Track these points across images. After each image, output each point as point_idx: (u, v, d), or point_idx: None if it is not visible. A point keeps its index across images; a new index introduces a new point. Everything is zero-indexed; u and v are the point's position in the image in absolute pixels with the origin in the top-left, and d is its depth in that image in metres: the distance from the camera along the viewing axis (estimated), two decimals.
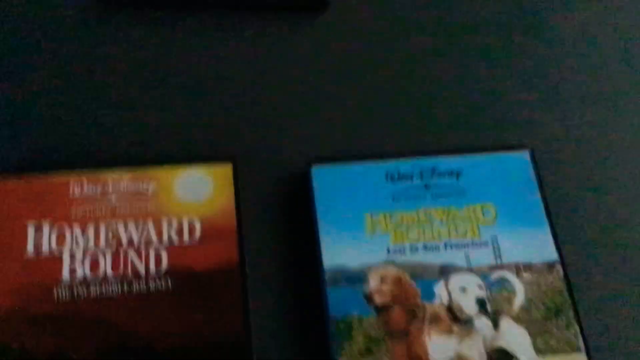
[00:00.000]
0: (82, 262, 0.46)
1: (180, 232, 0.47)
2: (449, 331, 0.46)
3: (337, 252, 0.48)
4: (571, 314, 0.47)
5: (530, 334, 0.46)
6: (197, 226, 0.48)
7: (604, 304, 0.49)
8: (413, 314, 0.46)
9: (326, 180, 0.50)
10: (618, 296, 0.49)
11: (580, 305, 0.47)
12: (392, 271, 0.47)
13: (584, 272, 0.50)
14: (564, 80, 0.57)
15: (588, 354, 0.46)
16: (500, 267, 0.48)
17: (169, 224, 0.47)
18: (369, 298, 0.46)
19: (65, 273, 0.45)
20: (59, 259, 0.45)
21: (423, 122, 0.54)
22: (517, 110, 0.55)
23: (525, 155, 0.52)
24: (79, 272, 0.45)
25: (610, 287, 0.49)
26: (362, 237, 0.48)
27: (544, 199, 0.51)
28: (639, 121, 0.56)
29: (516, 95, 0.56)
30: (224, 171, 0.49)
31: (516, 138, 0.54)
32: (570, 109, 0.55)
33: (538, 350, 0.46)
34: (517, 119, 0.55)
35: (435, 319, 0.46)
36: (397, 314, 0.46)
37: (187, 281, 0.46)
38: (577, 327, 0.46)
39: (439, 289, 0.47)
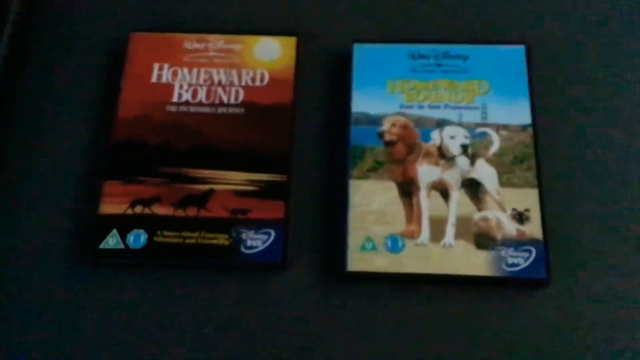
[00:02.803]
0: (187, 91, 0.67)
1: (253, 79, 0.67)
2: (436, 163, 0.63)
3: (363, 103, 0.65)
4: (533, 161, 0.62)
5: (498, 172, 0.62)
6: (266, 76, 0.67)
7: (564, 156, 0.63)
8: (411, 149, 0.63)
9: (363, 55, 0.67)
10: (577, 153, 0.64)
11: (542, 158, 0.62)
12: (401, 119, 0.64)
13: (551, 135, 0.64)
14: None
15: (540, 189, 0.61)
16: (485, 125, 0.64)
17: (247, 73, 0.67)
18: (381, 135, 0.64)
19: (175, 96, 0.66)
20: (172, 86, 0.67)
21: (444, 14, 0.70)
22: (522, 8, 0.70)
23: (521, 49, 0.67)
24: (184, 97, 0.66)
25: (570, 147, 0.64)
26: (383, 95, 0.66)
27: (530, 81, 0.65)
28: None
29: None
30: (290, 42, 0.68)
31: (518, 34, 0.69)
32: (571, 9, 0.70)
33: (502, 184, 0.61)
34: (521, 17, 0.70)
35: (427, 154, 0.63)
36: (399, 148, 0.63)
37: (255, 110, 0.65)
38: (535, 171, 0.61)
39: (434, 134, 0.64)
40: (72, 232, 0.61)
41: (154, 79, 0.67)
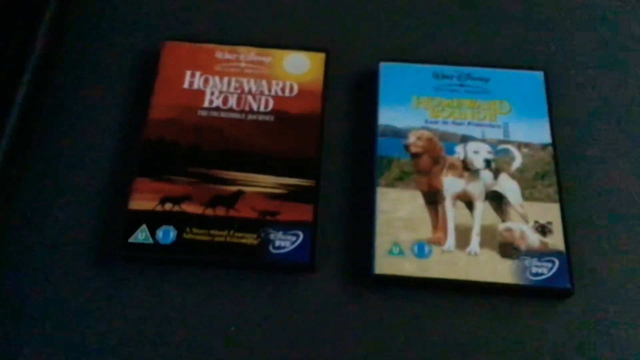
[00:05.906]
0: (218, 97, 0.68)
1: (283, 89, 0.69)
2: (461, 175, 0.64)
3: (389, 117, 0.67)
4: (554, 178, 0.64)
5: (520, 186, 0.64)
6: (295, 87, 0.69)
7: (583, 175, 0.66)
8: (436, 161, 0.65)
9: (389, 73, 0.70)
10: (597, 170, 0.66)
11: (562, 174, 0.64)
12: (426, 133, 0.67)
13: (572, 154, 0.66)
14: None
15: (562, 204, 0.63)
16: (507, 142, 0.66)
17: (277, 84, 0.69)
18: (406, 147, 0.66)
19: (206, 102, 0.68)
20: (203, 92, 0.68)
21: (468, 39, 0.73)
22: (542, 36, 0.74)
23: (540, 75, 0.70)
24: (215, 103, 0.68)
25: (593, 164, 0.67)
26: (408, 110, 0.68)
27: (549, 103, 0.68)
28: None
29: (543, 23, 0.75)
30: (318, 57, 0.71)
31: (535, 60, 0.72)
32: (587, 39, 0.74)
33: (525, 198, 0.63)
34: (539, 44, 0.74)
35: (451, 167, 0.65)
36: (425, 160, 0.65)
37: (284, 118, 0.67)
38: (556, 187, 0.64)
39: (458, 148, 0.66)
40: (102, 227, 0.62)
41: (185, 85, 0.68)
